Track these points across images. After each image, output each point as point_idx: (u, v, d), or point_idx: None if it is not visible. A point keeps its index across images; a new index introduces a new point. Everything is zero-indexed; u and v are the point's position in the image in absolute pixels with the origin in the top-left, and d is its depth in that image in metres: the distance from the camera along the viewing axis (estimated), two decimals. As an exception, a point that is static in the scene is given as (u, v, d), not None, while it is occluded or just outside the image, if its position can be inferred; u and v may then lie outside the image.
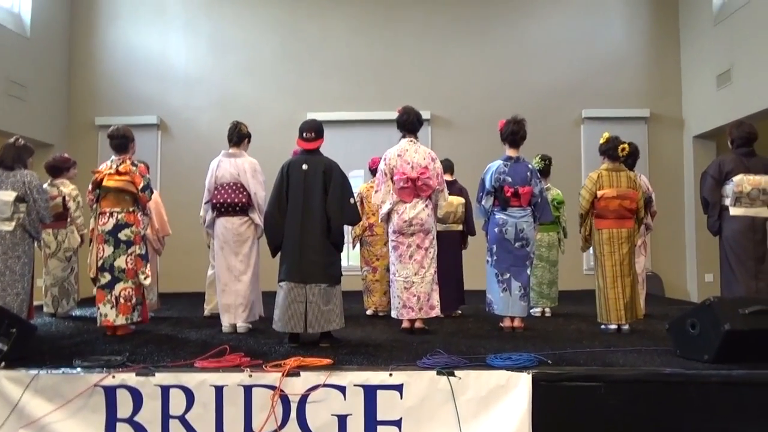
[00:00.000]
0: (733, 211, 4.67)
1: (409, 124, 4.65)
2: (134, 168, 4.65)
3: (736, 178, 4.63)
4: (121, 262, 4.51)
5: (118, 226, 4.54)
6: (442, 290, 4.67)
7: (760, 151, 4.82)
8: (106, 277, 4.50)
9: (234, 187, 4.71)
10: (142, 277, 4.59)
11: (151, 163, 7.57)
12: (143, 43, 8.83)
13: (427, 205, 4.55)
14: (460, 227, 5.60)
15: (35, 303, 5.08)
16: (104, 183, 4.56)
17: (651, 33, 8.72)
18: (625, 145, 4.70)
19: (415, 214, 4.49)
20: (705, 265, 8.12)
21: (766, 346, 3.35)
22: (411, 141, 4.64)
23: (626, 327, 4.57)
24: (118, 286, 4.49)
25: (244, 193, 4.71)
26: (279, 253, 4.16)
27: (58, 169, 5.87)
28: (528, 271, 4.68)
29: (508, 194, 4.59)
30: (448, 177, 5.55)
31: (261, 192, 4.77)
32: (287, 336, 4.09)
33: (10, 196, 4.58)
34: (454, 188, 5.60)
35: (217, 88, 8.72)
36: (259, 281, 4.90)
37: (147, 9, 8.88)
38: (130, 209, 4.60)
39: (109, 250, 4.52)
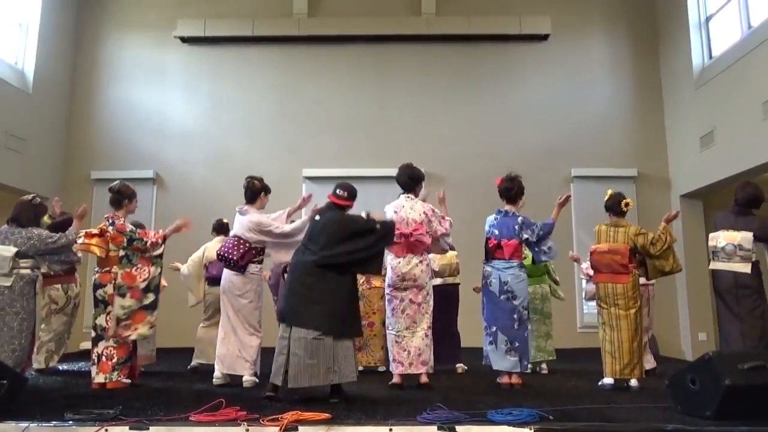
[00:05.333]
0: (712, 265, 4.77)
1: (403, 182, 4.76)
2: (111, 228, 4.55)
3: (711, 234, 4.76)
4: (101, 320, 4.48)
5: (95, 286, 4.53)
6: (438, 345, 4.61)
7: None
8: (92, 334, 4.51)
9: (234, 242, 4.71)
10: (146, 328, 4.54)
11: (146, 217, 7.65)
12: (142, 101, 9.04)
13: (421, 261, 4.58)
14: (456, 280, 5.62)
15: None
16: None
17: (635, 96, 9.06)
18: (629, 201, 4.76)
19: (408, 269, 4.53)
20: (698, 324, 8.14)
21: (766, 403, 3.34)
22: (408, 198, 4.72)
23: (634, 382, 4.52)
24: (101, 344, 4.47)
25: (241, 248, 4.67)
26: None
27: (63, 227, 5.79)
28: (516, 326, 4.53)
29: (491, 245, 4.67)
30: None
31: (267, 239, 4.73)
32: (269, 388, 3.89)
33: (9, 251, 4.49)
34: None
35: (213, 144, 8.89)
36: (260, 337, 4.75)
37: (148, 69, 9.15)
38: (104, 269, 4.52)
39: (93, 308, 4.52)
